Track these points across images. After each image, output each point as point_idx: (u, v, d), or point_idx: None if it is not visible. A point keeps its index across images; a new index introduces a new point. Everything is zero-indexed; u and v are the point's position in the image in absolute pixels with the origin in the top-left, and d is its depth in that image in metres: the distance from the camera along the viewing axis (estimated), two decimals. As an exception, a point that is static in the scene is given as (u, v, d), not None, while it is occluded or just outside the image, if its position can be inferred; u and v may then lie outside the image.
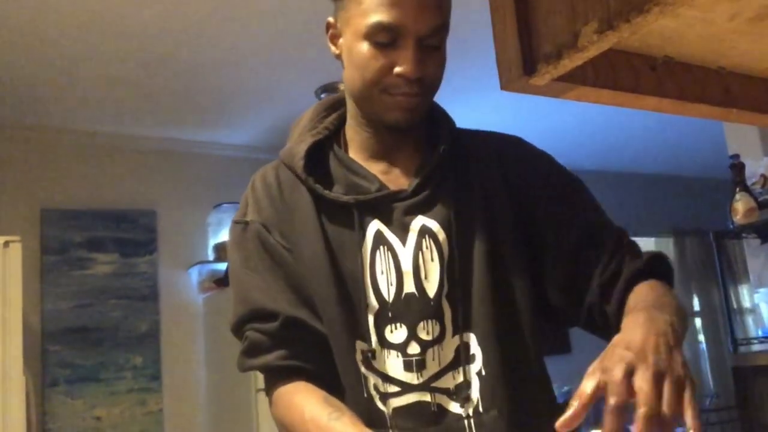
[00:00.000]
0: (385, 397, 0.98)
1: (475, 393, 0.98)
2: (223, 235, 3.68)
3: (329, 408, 0.93)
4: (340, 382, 1.00)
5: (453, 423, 0.97)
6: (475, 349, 0.99)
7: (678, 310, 0.84)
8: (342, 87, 1.09)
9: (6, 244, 2.58)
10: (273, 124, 3.81)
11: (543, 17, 0.66)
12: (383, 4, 0.94)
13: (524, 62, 0.67)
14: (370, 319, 0.99)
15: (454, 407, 0.98)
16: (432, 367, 0.98)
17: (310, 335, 1.01)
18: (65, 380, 3.46)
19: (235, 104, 3.59)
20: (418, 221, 1.02)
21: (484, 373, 0.98)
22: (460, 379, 0.98)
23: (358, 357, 0.99)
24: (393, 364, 0.98)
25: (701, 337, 5.69)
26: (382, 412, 0.98)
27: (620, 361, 0.69)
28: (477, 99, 3.64)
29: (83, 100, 3.34)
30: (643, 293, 0.90)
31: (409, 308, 0.99)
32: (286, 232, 1.04)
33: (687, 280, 5.70)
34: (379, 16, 0.94)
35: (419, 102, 1.00)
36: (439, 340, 0.99)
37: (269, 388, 1.04)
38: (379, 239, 1.01)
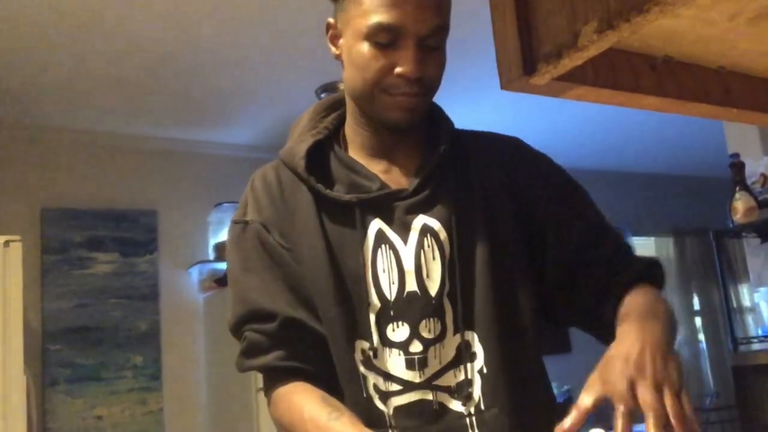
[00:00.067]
0: (385, 396, 0.98)
1: (476, 391, 0.99)
2: (224, 235, 3.67)
3: (328, 408, 0.94)
4: (338, 383, 1.00)
5: (454, 421, 0.98)
6: (477, 347, 1.00)
7: (668, 315, 0.89)
8: (342, 87, 1.10)
9: (6, 243, 2.58)
10: (273, 124, 3.81)
11: (543, 17, 0.66)
12: (383, 4, 0.95)
13: (524, 62, 0.67)
14: (372, 317, 0.99)
15: (456, 405, 0.98)
16: (433, 366, 0.99)
17: (308, 336, 1.01)
18: (66, 380, 3.46)
19: (235, 104, 3.59)
20: (420, 220, 1.02)
21: (485, 371, 0.99)
22: (462, 377, 0.99)
23: (358, 357, 0.99)
24: (395, 362, 0.99)
25: (701, 337, 5.69)
26: (381, 411, 0.98)
27: (621, 375, 0.75)
28: (477, 98, 3.64)
29: (83, 100, 3.34)
30: (635, 299, 0.93)
31: (411, 307, 0.99)
32: (286, 231, 1.04)
33: (687, 280, 5.70)
34: (379, 16, 0.95)
35: (419, 102, 1.00)
36: (440, 338, 0.99)
37: (268, 389, 1.04)
38: (381, 238, 1.01)
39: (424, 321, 0.99)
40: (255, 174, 1.12)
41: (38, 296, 3.46)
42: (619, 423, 0.72)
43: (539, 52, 0.66)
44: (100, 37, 2.75)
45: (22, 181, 3.56)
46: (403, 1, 0.94)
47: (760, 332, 3.50)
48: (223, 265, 3.64)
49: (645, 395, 0.72)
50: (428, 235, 1.01)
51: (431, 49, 0.98)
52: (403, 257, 1.00)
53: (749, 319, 5.25)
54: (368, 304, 0.99)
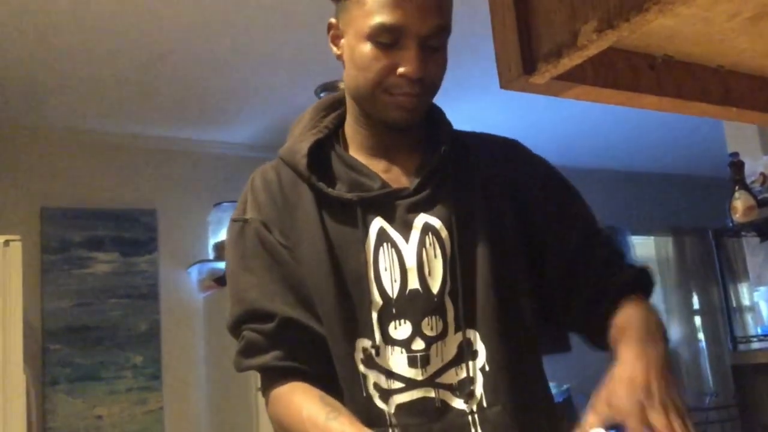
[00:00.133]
0: (387, 394, 0.99)
1: (478, 389, 0.99)
2: (223, 234, 3.66)
3: (327, 408, 0.94)
4: (337, 382, 1.00)
5: (457, 419, 0.98)
6: (478, 345, 1.00)
7: (663, 332, 0.94)
8: (342, 86, 1.10)
9: (6, 243, 2.58)
10: (273, 123, 3.81)
11: (542, 16, 0.66)
12: (386, 5, 0.95)
13: (524, 61, 0.67)
14: (374, 315, 1.00)
15: (458, 403, 0.99)
16: (435, 363, 0.99)
17: (307, 336, 1.01)
18: (66, 379, 3.46)
19: (235, 103, 3.59)
20: (421, 219, 1.03)
21: (487, 369, 1.00)
22: (464, 375, 0.99)
23: (359, 356, 1.00)
24: (397, 360, 0.99)
25: (701, 336, 5.70)
26: (381, 410, 0.98)
27: (631, 398, 0.80)
28: (476, 98, 3.64)
29: (83, 99, 3.34)
30: (629, 314, 0.96)
31: (413, 304, 0.99)
32: (286, 230, 1.04)
33: (686, 279, 5.70)
34: (381, 17, 0.95)
35: (420, 102, 1.01)
36: (442, 336, 1.00)
37: (266, 388, 1.04)
38: (383, 236, 1.02)
39: (426, 319, 0.99)
40: (254, 173, 1.12)
41: (38, 296, 3.46)
42: None
43: (539, 52, 0.66)
44: (99, 36, 2.75)
45: (21, 181, 3.56)
46: (406, 2, 0.95)
47: (759, 331, 3.50)
48: (222, 265, 3.63)
49: (657, 419, 0.78)
50: (430, 233, 1.02)
51: (433, 50, 0.99)
52: (405, 255, 1.01)
53: (749, 318, 5.25)
54: (370, 301, 1.00)
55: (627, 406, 0.79)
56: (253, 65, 3.15)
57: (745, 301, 5.34)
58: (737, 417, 3.74)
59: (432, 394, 0.98)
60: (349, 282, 1.00)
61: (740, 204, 3.10)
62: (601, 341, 0.99)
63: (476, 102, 3.70)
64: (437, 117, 1.12)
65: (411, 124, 1.03)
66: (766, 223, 3.15)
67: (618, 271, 1.04)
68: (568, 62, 0.64)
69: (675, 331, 5.53)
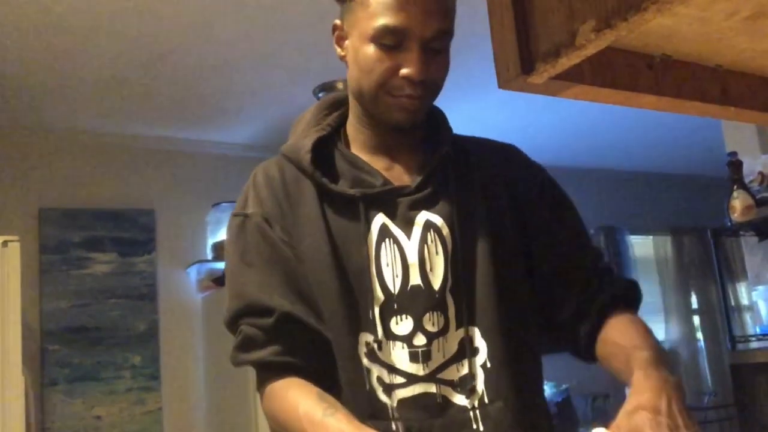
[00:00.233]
0: (389, 388, 0.99)
1: (480, 385, 1.00)
2: (222, 234, 3.67)
3: (324, 404, 0.94)
4: (334, 379, 1.01)
5: (458, 414, 0.99)
6: (479, 342, 1.01)
7: (666, 353, 0.95)
8: (340, 85, 1.11)
9: (5, 243, 2.58)
10: (272, 124, 3.81)
11: (540, 16, 0.66)
12: (390, 7, 0.96)
13: (522, 61, 0.67)
14: (376, 310, 1.00)
15: (459, 399, 0.99)
16: (437, 359, 1.00)
17: (305, 332, 1.01)
18: (64, 379, 3.46)
19: (233, 104, 3.59)
20: (423, 216, 1.04)
21: (488, 365, 1.00)
22: (465, 371, 1.00)
23: (362, 349, 1.00)
24: (399, 355, 0.99)
25: (699, 335, 5.70)
26: (384, 404, 0.99)
27: (659, 427, 0.80)
28: (476, 97, 3.64)
29: (83, 100, 3.34)
30: (629, 331, 0.97)
31: (414, 300, 1.00)
32: (288, 226, 1.05)
33: (685, 278, 5.70)
34: (385, 19, 0.96)
35: (421, 104, 1.02)
36: (443, 332, 1.00)
37: (261, 383, 1.04)
38: (385, 232, 1.03)
39: (427, 314, 1.00)
40: (257, 168, 1.13)
41: (37, 296, 3.46)
42: None
43: (537, 51, 0.66)
44: (99, 37, 2.75)
45: (20, 181, 3.56)
46: (410, 5, 0.96)
47: (758, 330, 3.50)
48: (221, 265, 3.64)
49: None
50: (431, 230, 1.03)
51: (435, 52, 1.00)
52: (407, 251, 1.02)
53: (747, 317, 5.26)
54: (372, 296, 1.00)
55: None
56: (252, 65, 3.15)
57: (744, 301, 5.35)
58: (736, 416, 3.74)
59: (433, 389, 0.99)
60: (351, 276, 1.01)
61: (739, 203, 3.10)
62: (587, 353, 1.01)
63: (475, 102, 3.70)
64: (439, 120, 1.13)
65: (413, 124, 1.05)
66: (764, 223, 3.15)
67: (607, 284, 1.05)
68: (566, 62, 0.64)
69: (673, 331, 5.54)
